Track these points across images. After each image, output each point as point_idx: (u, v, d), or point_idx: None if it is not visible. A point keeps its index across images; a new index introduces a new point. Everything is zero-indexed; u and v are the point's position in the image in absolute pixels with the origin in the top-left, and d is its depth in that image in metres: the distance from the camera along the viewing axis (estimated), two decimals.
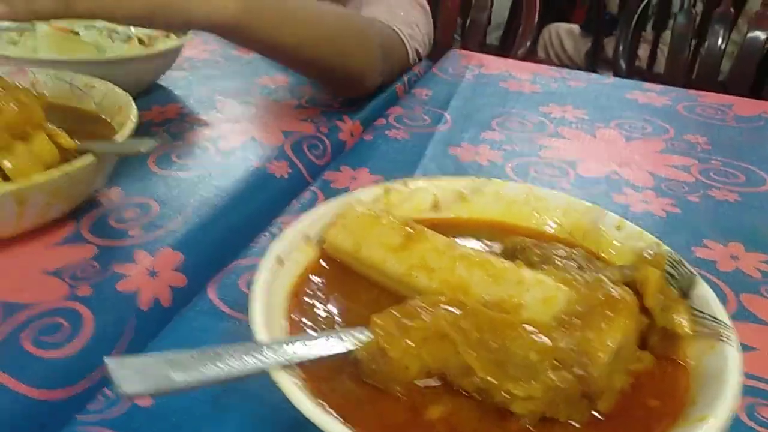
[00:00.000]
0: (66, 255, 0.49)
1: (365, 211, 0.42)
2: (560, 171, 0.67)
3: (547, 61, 2.44)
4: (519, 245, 0.40)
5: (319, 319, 0.37)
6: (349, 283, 0.40)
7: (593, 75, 0.97)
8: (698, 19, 1.52)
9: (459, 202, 0.48)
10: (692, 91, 0.90)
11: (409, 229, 0.40)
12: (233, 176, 0.62)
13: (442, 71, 0.93)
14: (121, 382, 0.26)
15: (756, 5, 1.45)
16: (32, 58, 0.69)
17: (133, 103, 0.58)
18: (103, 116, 0.60)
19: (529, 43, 1.38)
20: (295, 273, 0.40)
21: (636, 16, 1.45)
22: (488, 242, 0.45)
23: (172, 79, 0.84)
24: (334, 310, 0.38)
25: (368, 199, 0.46)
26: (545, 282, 0.35)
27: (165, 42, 0.78)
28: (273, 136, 0.71)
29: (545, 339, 0.31)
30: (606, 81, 0.94)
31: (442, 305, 0.33)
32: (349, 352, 0.33)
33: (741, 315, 0.47)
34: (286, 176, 0.66)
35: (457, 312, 0.33)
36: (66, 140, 0.50)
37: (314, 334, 0.35)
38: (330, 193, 0.60)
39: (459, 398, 0.32)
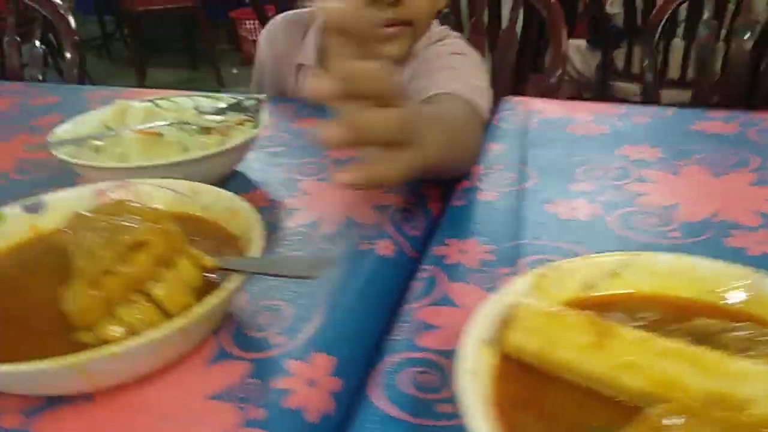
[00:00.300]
0: (221, 376, 0.49)
1: (543, 309, 0.42)
2: (661, 219, 0.67)
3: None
4: (706, 329, 0.40)
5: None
6: (544, 386, 0.40)
7: (654, 108, 0.98)
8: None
9: (610, 280, 0.48)
10: (756, 115, 0.90)
11: (596, 325, 0.40)
12: (349, 263, 0.62)
13: (503, 121, 0.94)
14: None
15: None
16: (122, 166, 0.69)
17: (248, 206, 0.58)
18: (214, 220, 0.61)
19: (560, 72, 1.39)
20: (485, 382, 0.40)
21: (660, 27, 1.47)
22: (653, 318, 0.45)
23: (245, 163, 0.85)
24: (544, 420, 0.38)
25: (522, 289, 0.46)
26: (766, 371, 0.35)
27: (242, 130, 0.78)
28: (368, 213, 0.71)
29: None
30: (667, 113, 0.95)
31: (667, 415, 0.33)
32: None
33: None
34: (391, 254, 0.66)
35: (687, 419, 0.33)
36: (209, 261, 0.50)
37: None
38: (448, 271, 0.60)
39: None
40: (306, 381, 0.48)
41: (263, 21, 2.77)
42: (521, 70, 1.87)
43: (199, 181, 0.62)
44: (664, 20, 1.46)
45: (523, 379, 0.41)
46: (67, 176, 0.82)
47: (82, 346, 0.46)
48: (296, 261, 0.49)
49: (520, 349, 0.41)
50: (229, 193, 0.61)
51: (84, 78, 1.60)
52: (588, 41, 2.43)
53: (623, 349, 0.38)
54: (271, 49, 1.12)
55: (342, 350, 0.52)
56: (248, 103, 0.85)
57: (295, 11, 1.13)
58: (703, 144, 0.83)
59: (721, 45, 1.77)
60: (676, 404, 0.33)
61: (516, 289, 0.46)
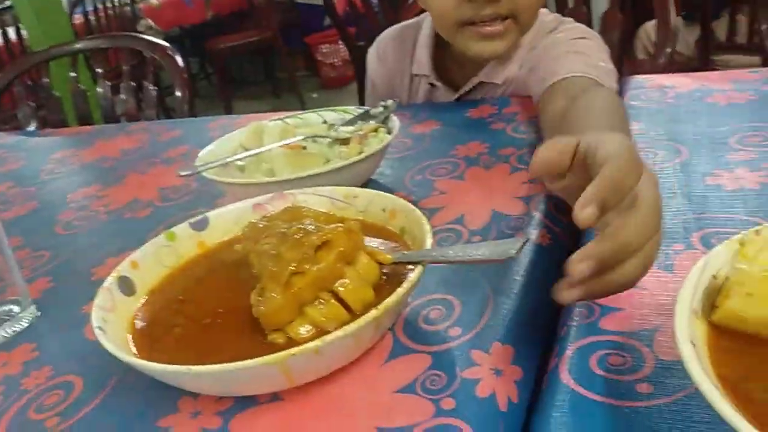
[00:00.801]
0: (404, 369, 0.49)
1: (762, 274, 0.39)
2: None
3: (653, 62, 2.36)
4: None
5: None
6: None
7: None
8: None
9: None
10: None
11: None
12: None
13: (636, 100, 0.90)
14: None
15: None
16: (272, 180, 0.72)
17: (407, 203, 0.59)
18: (372, 222, 0.61)
19: (669, 50, 1.33)
20: (704, 354, 0.38)
21: None
22: None
23: (377, 171, 0.85)
24: None
25: (726, 257, 0.44)
26: None
27: (377, 137, 0.80)
28: (511, 203, 0.70)
29: None
30: None
31: None
32: None
33: None
34: (548, 242, 0.65)
35: None
36: (384, 257, 0.51)
37: None
38: None
39: None
40: (491, 370, 0.48)
41: (348, 41, 2.83)
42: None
43: None
44: None
45: (742, 348, 0.38)
46: (206, 197, 0.86)
47: (276, 348, 0.47)
48: (477, 246, 0.48)
49: (740, 316, 0.39)
50: (386, 194, 0.62)
51: (194, 112, 1.69)
52: (683, 16, 2.31)
53: None
54: (382, 66, 1.15)
55: (518, 338, 0.51)
56: (376, 111, 0.86)
57: (400, 24, 1.15)
58: None
59: None
60: None
61: (719, 259, 0.43)
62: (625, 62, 1.93)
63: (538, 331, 0.55)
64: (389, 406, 0.46)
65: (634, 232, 0.41)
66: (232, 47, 4.53)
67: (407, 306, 0.55)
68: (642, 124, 0.82)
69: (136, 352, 0.50)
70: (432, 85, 1.08)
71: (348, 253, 0.48)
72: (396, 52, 1.12)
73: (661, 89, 0.90)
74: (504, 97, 1.03)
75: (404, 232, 0.57)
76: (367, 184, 0.81)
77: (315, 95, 4.65)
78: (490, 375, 0.47)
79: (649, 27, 2.47)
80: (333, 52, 4.66)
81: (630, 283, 0.44)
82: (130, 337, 0.52)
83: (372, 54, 1.17)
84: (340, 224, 0.48)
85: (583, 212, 0.40)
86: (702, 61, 2.23)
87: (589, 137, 0.45)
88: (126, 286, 0.56)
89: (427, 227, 0.53)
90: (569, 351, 0.48)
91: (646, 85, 0.93)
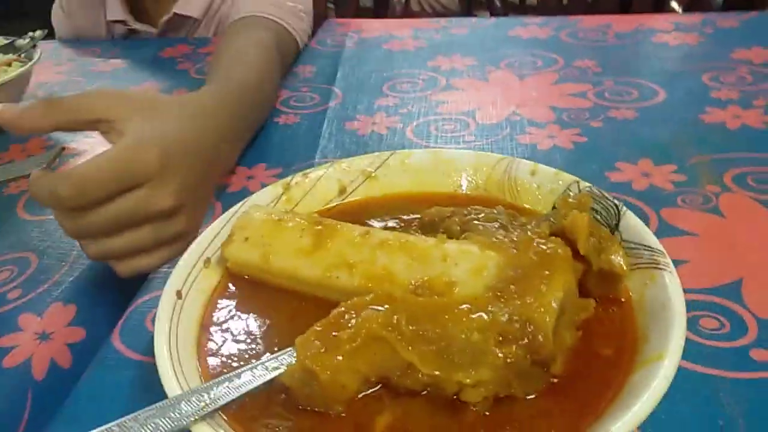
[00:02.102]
0: None
1: (266, 217, 0.37)
2: (461, 124, 0.64)
3: (424, 14, 2.43)
4: (437, 217, 0.37)
5: (239, 347, 0.33)
6: (265, 300, 0.36)
7: (473, 19, 0.95)
8: None
9: (366, 182, 0.45)
10: (571, 17, 0.90)
11: (318, 227, 0.36)
12: None
13: (321, 44, 0.88)
14: None
15: None
16: None
17: None
18: None
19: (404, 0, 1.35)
20: (201, 302, 0.36)
21: None
22: (405, 217, 0.42)
23: None
24: (254, 333, 0.34)
25: (267, 202, 0.42)
26: (471, 251, 0.32)
27: (6, 71, 0.69)
28: None
29: (484, 315, 0.29)
30: (487, 23, 0.93)
31: (369, 306, 0.30)
32: (276, 381, 0.29)
33: (665, 230, 0.47)
34: None
35: (386, 308, 0.30)
36: None
37: (235, 369, 0.31)
38: (227, 199, 0.55)
39: (405, 400, 0.29)
40: (36, 336, 0.42)
41: None
42: None
43: None
44: None
45: (242, 297, 0.37)
46: None
47: None
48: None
49: (241, 263, 0.37)
50: None
51: None
52: None
53: (340, 249, 0.35)
54: (69, 20, 1.02)
55: (87, 297, 0.46)
56: (22, 42, 0.75)
57: None
58: (516, 49, 0.82)
59: None
60: (376, 295, 0.30)
61: (259, 202, 0.41)
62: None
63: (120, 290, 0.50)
64: None
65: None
66: None
67: None
68: (314, 67, 0.80)
69: None
70: (130, 29, 0.98)
71: None
72: (83, 1, 1.00)
73: (347, 34, 0.90)
74: (205, 37, 0.96)
75: None
76: None
77: None
78: (33, 341, 0.42)
79: None
80: None
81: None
82: None
83: (56, 8, 1.03)
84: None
85: None
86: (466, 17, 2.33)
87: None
88: None
89: None
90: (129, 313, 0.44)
91: (336, 28, 0.92)
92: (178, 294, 0.35)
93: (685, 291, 0.32)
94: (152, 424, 0.26)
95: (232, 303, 0.36)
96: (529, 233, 0.32)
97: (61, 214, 0.42)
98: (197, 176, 0.46)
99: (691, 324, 0.39)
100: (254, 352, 0.33)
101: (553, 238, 0.32)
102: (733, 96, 0.66)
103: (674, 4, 1.45)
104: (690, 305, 0.37)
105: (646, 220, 0.45)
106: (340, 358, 0.27)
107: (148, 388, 0.37)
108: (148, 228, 0.43)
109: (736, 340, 0.37)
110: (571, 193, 0.37)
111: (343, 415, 0.29)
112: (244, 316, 0.35)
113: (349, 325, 0.29)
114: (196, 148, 0.46)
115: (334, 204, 0.44)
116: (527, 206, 0.41)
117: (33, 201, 0.57)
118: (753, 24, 0.86)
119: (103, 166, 0.40)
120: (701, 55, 0.77)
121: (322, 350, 0.28)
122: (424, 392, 0.29)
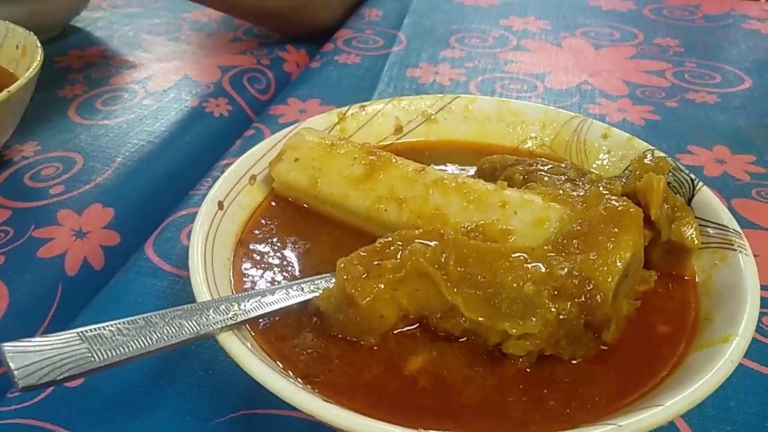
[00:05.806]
0: None
1: (318, 141, 0.36)
2: (528, 85, 0.61)
3: None
4: (499, 163, 0.35)
5: (275, 268, 0.32)
6: (307, 225, 0.35)
7: None
8: None
9: (425, 124, 0.42)
10: None
11: (373, 157, 0.34)
12: (166, 119, 0.55)
13: None
14: (19, 373, 0.21)
15: None
16: None
17: (38, 41, 0.50)
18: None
19: None
20: (241, 219, 0.35)
21: None
22: (462, 166, 0.40)
23: (91, 20, 0.75)
24: (292, 257, 0.32)
25: (320, 128, 0.40)
26: (533, 201, 0.30)
27: None
28: (208, 72, 0.63)
29: (541, 266, 0.26)
30: None
31: (417, 240, 0.28)
32: (310, 304, 0.28)
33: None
34: (226, 114, 0.59)
35: (435, 245, 0.28)
36: None
37: (269, 286, 0.29)
38: (278, 128, 0.53)
39: (442, 344, 0.28)
40: (73, 232, 0.42)
41: None
42: None
43: None
44: None
45: (284, 218, 0.35)
46: None
47: None
48: None
49: (288, 184, 0.35)
50: (24, 30, 0.52)
51: None
52: None
53: (392, 182, 0.33)
54: None
55: (127, 204, 0.46)
56: None
57: None
58: (595, 19, 0.77)
59: None
60: (427, 231, 0.28)
61: (313, 127, 0.40)
62: None
63: (161, 201, 0.49)
64: None
65: None
66: None
67: (5, 155, 0.47)
68: (380, 11, 0.77)
69: None
70: None
71: None
72: None
73: None
74: None
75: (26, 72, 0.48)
76: (65, 31, 0.71)
77: None
78: (69, 236, 0.42)
79: None
80: None
81: None
82: None
83: None
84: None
85: None
86: None
87: None
88: None
89: (35, 66, 0.45)
90: (166, 224, 0.43)
91: None
92: (220, 204, 0.33)
93: None
94: (177, 324, 0.25)
95: (274, 224, 0.35)
96: (600, 189, 0.29)
97: None
98: None
99: None
100: (289, 275, 0.31)
101: (625, 197, 0.29)
102: None
103: None
104: None
105: None
106: (382, 286, 0.26)
107: (176, 301, 0.36)
108: None
109: None
110: (649, 158, 0.34)
111: (375, 348, 0.27)
112: (284, 238, 0.34)
113: (396, 255, 0.27)
114: None
115: (388, 143, 0.42)
116: (594, 170, 0.38)
117: (85, 104, 0.57)
118: None
119: None
120: None
121: (364, 276, 0.26)
122: (463, 339, 0.28)
